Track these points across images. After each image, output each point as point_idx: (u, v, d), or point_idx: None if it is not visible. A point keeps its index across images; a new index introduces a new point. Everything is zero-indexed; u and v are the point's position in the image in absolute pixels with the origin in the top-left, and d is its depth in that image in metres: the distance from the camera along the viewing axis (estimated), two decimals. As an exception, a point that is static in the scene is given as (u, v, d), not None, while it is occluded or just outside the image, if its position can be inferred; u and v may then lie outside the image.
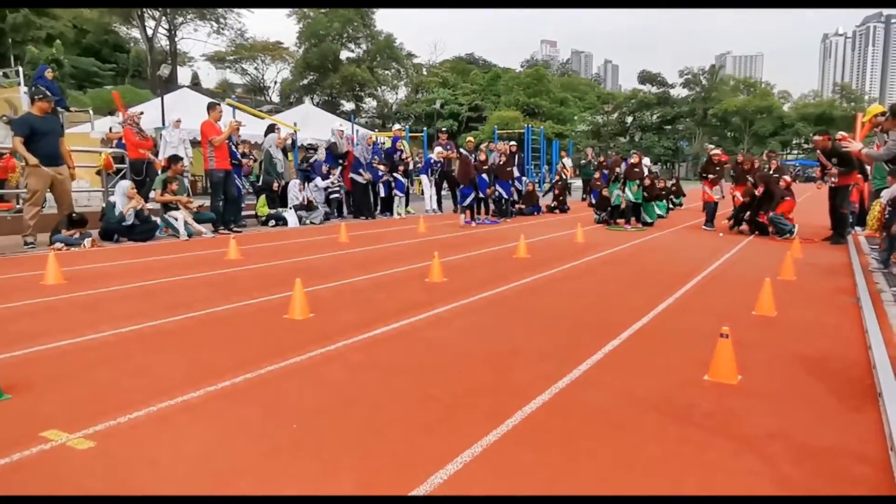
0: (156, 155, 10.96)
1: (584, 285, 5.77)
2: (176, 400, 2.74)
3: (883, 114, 8.24)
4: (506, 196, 12.93)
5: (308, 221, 11.56)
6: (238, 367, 3.19)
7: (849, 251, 7.95)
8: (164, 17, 47.07)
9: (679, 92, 67.62)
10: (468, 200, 12.02)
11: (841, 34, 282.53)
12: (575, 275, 6.33)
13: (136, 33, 47.34)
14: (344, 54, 58.27)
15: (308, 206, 11.83)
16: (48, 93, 9.12)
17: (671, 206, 14.73)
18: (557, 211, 15.37)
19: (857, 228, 9.74)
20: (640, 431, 2.49)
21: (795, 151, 65.45)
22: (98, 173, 11.03)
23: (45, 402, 2.73)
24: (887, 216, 6.34)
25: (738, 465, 2.20)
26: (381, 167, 13.33)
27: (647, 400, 2.83)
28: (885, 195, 6.43)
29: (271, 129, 12.81)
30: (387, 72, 60.93)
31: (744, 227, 10.52)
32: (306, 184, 12.04)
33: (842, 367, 3.31)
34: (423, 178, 14.74)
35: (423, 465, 2.17)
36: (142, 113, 11.52)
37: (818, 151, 9.51)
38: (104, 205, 9.33)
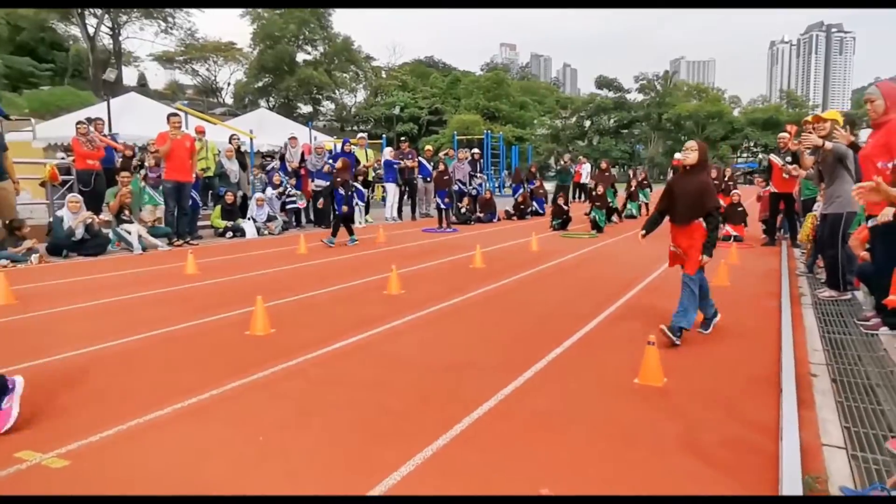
0: (111, 162, 10.76)
1: (534, 295, 6.09)
2: (144, 418, 2.90)
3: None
4: (443, 206, 13.17)
5: (266, 232, 11.60)
6: (203, 384, 3.36)
7: (781, 257, 8.53)
8: (106, 16, 45.18)
9: (635, 97, 69.81)
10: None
11: (786, 41, 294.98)
12: (526, 285, 6.66)
13: (75, 31, 44.84)
14: (300, 56, 57.64)
15: (267, 218, 11.87)
16: None
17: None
18: (515, 217, 15.78)
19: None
20: (574, 433, 2.79)
21: (745, 155, 68.28)
22: (42, 185, 10.77)
23: (16, 425, 2.84)
24: (819, 229, 6.92)
25: (659, 462, 2.51)
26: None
27: (582, 403, 3.13)
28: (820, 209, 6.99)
29: (232, 137, 12.86)
30: (345, 74, 60.55)
31: None
32: (265, 199, 12.02)
33: (754, 367, 3.70)
34: (391, 186, 14.82)
35: (379, 469, 2.41)
36: (98, 119, 11.38)
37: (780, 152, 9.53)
38: (51, 219, 9.16)
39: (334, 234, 9.87)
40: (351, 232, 10.08)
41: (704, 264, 4.14)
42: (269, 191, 12.38)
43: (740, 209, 10.58)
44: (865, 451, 2.49)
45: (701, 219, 4.12)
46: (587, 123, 70.22)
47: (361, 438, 2.72)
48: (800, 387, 3.21)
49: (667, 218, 4.42)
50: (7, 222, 8.12)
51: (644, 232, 4.48)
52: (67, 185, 10.35)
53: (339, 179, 10.05)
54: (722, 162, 43.28)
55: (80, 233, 8.62)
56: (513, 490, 2.27)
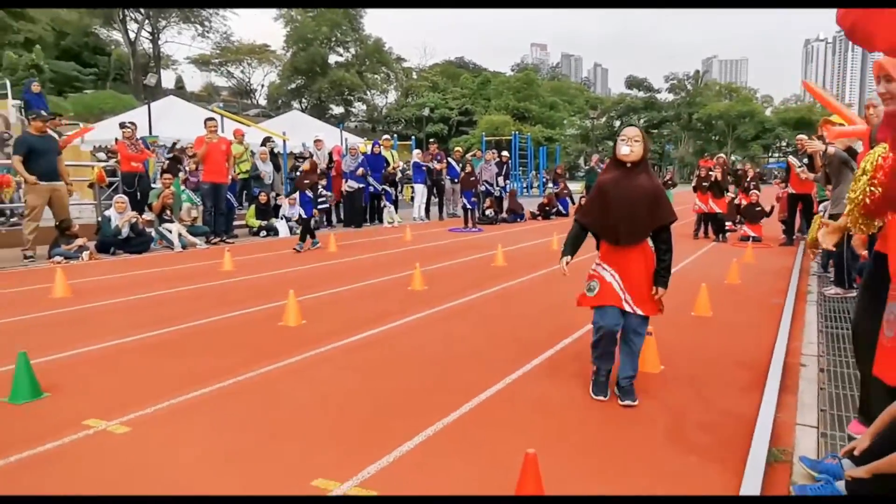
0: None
1: (549, 291, 6.35)
2: (189, 395, 3.30)
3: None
4: (469, 207, 13.40)
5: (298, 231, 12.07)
6: (241, 367, 3.75)
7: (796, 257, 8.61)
8: (147, 20, 46.86)
9: (665, 97, 69.13)
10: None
11: (822, 39, 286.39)
12: (543, 282, 6.93)
13: (117, 36, 46.56)
14: (332, 58, 58.75)
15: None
16: (43, 112, 9.54)
17: None
18: (540, 217, 16.00)
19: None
20: (570, 415, 3.08)
21: (776, 154, 66.87)
22: (90, 186, 11.47)
23: (81, 398, 3.28)
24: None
25: (649, 441, 2.78)
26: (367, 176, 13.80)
27: (581, 389, 3.42)
28: (827, 210, 7.10)
29: (266, 140, 13.44)
30: (376, 76, 61.47)
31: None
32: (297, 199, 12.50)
33: (748, 358, 3.92)
34: (419, 186, 15.20)
35: (393, 439, 2.74)
36: (132, 123, 11.95)
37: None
38: (99, 218, 9.80)
39: (302, 240, 9.56)
40: (312, 235, 9.61)
41: (660, 297, 3.17)
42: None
43: (758, 209, 10.63)
44: (835, 430, 2.72)
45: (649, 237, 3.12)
46: (617, 123, 69.71)
47: (378, 415, 3.06)
48: (787, 374, 3.43)
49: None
50: (58, 222, 8.77)
51: (568, 258, 3.56)
52: (113, 187, 11.01)
53: (305, 182, 9.59)
54: (753, 162, 42.73)
55: (125, 231, 9.21)
56: (510, 459, 2.57)
